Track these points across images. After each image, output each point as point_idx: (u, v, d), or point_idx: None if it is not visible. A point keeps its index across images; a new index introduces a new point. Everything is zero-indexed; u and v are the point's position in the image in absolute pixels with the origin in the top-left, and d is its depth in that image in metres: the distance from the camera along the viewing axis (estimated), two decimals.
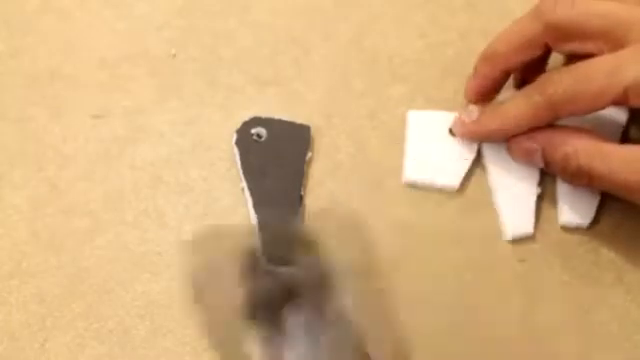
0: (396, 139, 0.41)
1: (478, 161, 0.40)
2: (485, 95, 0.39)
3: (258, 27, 0.44)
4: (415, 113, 0.41)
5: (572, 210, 0.38)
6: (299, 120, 0.41)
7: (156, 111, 0.41)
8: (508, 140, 0.38)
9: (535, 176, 0.39)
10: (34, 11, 0.44)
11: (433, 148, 0.39)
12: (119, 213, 0.38)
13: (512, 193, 0.38)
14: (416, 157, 0.39)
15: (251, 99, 0.42)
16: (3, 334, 0.35)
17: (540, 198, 0.39)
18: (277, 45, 0.44)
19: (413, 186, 0.39)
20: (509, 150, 0.38)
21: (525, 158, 0.38)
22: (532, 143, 0.37)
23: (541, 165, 0.37)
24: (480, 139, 0.39)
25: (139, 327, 0.36)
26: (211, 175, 0.40)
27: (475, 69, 0.39)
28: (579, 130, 0.36)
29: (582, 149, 0.35)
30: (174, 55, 0.43)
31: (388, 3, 0.45)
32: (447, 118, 0.40)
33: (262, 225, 0.38)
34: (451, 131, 0.40)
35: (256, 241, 0.37)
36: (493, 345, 0.36)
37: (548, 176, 0.39)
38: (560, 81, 0.35)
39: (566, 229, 0.38)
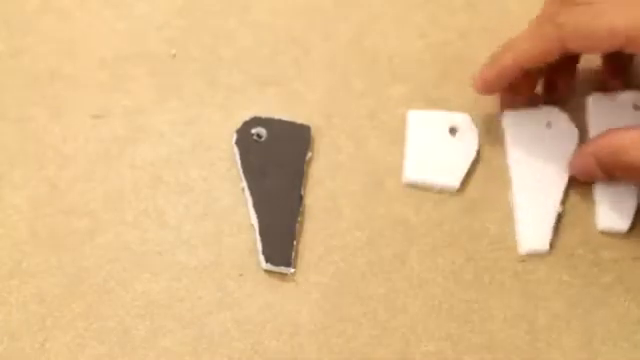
0: (396, 139, 0.41)
1: (478, 161, 0.40)
2: (495, 87, 0.39)
3: (258, 27, 0.44)
4: (415, 113, 0.41)
5: (611, 216, 0.38)
6: (299, 120, 0.41)
7: (156, 111, 0.41)
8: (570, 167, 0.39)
9: (559, 195, 0.39)
10: (34, 11, 0.44)
11: (433, 148, 0.39)
12: (119, 213, 0.38)
13: (534, 209, 0.38)
14: (416, 157, 0.39)
15: (251, 99, 0.42)
16: (3, 334, 0.35)
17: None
18: (277, 45, 0.44)
19: (413, 186, 0.39)
20: (570, 172, 0.39)
21: (584, 175, 0.38)
22: (585, 159, 0.37)
23: (603, 177, 0.38)
24: (499, 82, 0.38)
25: (139, 327, 0.36)
26: (211, 175, 0.40)
27: (494, 59, 0.38)
28: (620, 132, 0.36)
29: (629, 145, 0.35)
30: (174, 55, 0.43)
31: (388, 3, 0.45)
32: (447, 118, 0.40)
33: (262, 225, 0.38)
34: (451, 131, 0.40)
35: (256, 241, 0.37)
36: (493, 345, 0.36)
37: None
38: (572, 12, 0.35)
39: (569, 231, 0.39)
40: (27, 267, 0.37)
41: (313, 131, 0.40)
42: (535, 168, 0.39)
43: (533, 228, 0.38)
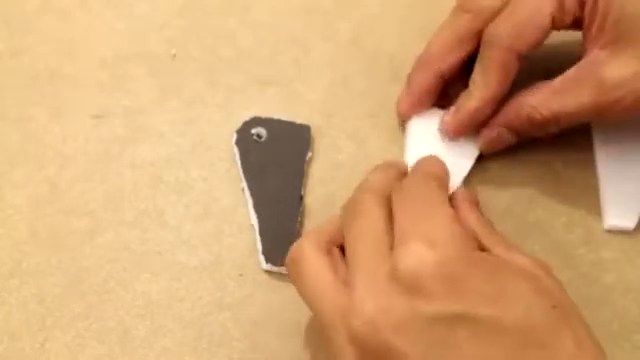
0: (396, 139, 0.41)
1: (478, 161, 0.40)
2: (419, 107, 0.39)
3: (258, 27, 0.44)
4: (415, 115, 0.41)
5: (618, 213, 0.38)
6: (299, 120, 0.41)
7: (156, 111, 0.41)
8: (479, 142, 0.39)
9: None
10: (34, 11, 0.44)
11: (433, 148, 0.39)
12: (119, 213, 0.38)
13: (620, 185, 0.39)
14: (416, 157, 0.39)
15: (251, 99, 0.42)
16: (3, 334, 0.35)
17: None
18: (277, 45, 0.44)
19: None
20: (481, 149, 0.39)
21: (498, 145, 0.39)
22: (494, 129, 0.38)
23: (515, 140, 0.38)
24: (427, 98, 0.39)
25: (139, 327, 0.36)
26: (211, 175, 0.40)
27: (409, 80, 0.39)
28: (522, 92, 0.37)
29: (536, 102, 0.36)
30: (174, 55, 0.43)
31: (388, 3, 0.45)
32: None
33: (262, 225, 0.38)
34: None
35: (256, 241, 0.37)
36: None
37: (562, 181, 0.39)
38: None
39: (569, 231, 0.39)
40: (27, 267, 0.37)
41: (313, 131, 0.40)
42: (622, 148, 0.40)
43: (620, 205, 0.38)
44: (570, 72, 0.35)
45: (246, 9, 0.45)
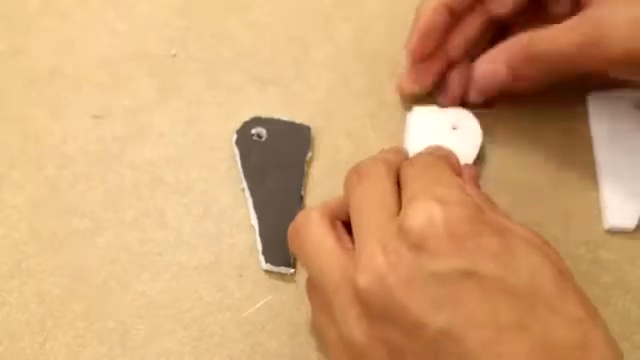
0: (396, 139, 0.41)
1: (478, 161, 0.40)
2: (429, 43, 0.39)
3: (258, 27, 0.44)
4: (416, 109, 0.40)
5: (618, 214, 0.38)
6: (299, 120, 0.41)
7: (156, 111, 0.41)
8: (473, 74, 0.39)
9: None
10: (34, 11, 0.44)
11: (433, 142, 0.39)
12: (119, 213, 0.38)
13: (620, 185, 0.39)
14: (416, 150, 0.39)
15: (251, 99, 0.42)
16: (3, 334, 0.35)
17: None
18: (277, 45, 0.44)
19: None
20: (475, 87, 0.39)
21: (491, 82, 0.39)
22: (491, 63, 0.38)
23: (509, 79, 0.38)
24: (428, 40, 0.39)
25: (139, 327, 0.36)
26: (211, 175, 0.40)
27: (415, 21, 0.40)
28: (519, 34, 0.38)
29: (534, 35, 0.37)
30: (174, 55, 0.43)
31: (388, 3, 0.45)
32: (448, 114, 0.40)
33: (262, 225, 0.38)
34: (453, 127, 0.40)
35: (256, 241, 0.37)
36: None
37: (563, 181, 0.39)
38: None
39: (569, 231, 0.39)
40: (27, 267, 0.37)
41: (313, 131, 0.40)
42: (622, 148, 0.40)
43: (620, 205, 0.38)
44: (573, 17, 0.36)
45: (246, 9, 0.45)
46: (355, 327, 0.28)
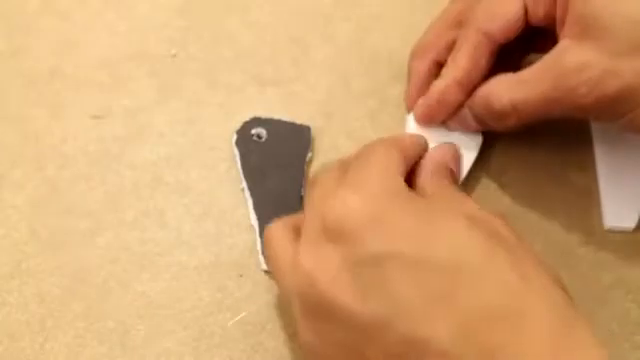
0: None
1: (478, 161, 0.40)
2: (422, 95, 0.39)
3: (258, 27, 0.44)
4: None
5: (618, 213, 0.38)
6: (299, 120, 0.41)
7: (156, 111, 0.41)
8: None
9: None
10: (34, 11, 0.44)
11: (433, 142, 0.39)
12: (119, 213, 0.38)
13: (620, 185, 0.39)
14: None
15: (251, 99, 0.42)
16: (3, 334, 0.35)
17: None
18: (277, 45, 0.44)
19: None
20: (449, 127, 0.39)
21: (463, 126, 0.38)
22: (460, 109, 0.38)
23: (475, 125, 0.38)
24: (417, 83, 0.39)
25: (139, 327, 0.36)
26: (211, 175, 0.40)
27: (409, 72, 0.40)
28: (489, 81, 0.36)
29: (497, 89, 0.35)
30: (174, 55, 0.43)
31: (388, 3, 0.45)
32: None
33: (262, 225, 0.38)
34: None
35: (256, 241, 0.37)
36: None
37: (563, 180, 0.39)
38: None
39: (569, 231, 0.39)
40: (27, 267, 0.37)
41: (313, 131, 0.40)
42: (622, 148, 0.39)
43: (619, 205, 0.38)
44: (537, 62, 0.35)
45: (246, 9, 0.45)
46: (305, 331, 0.29)
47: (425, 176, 0.34)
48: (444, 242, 0.27)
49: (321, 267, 0.27)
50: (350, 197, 0.28)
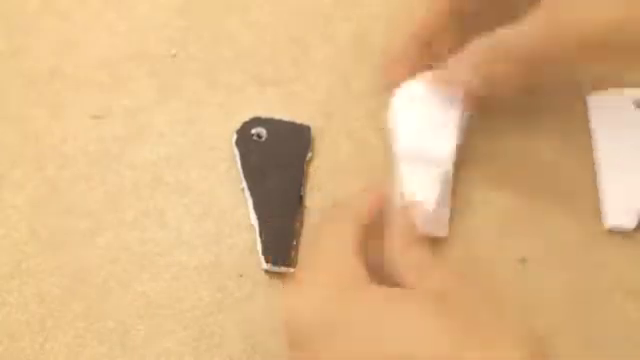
0: None
1: (478, 162, 0.40)
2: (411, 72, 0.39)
3: (258, 27, 0.44)
4: (400, 89, 0.40)
5: (618, 213, 0.38)
6: (299, 120, 0.41)
7: (156, 111, 0.41)
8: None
9: None
10: (34, 11, 0.44)
11: (419, 117, 0.38)
12: (119, 213, 0.38)
13: (620, 185, 0.39)
14: (405, 131, 0.39)
15: (251, 99, 0.42)
16: (3, 334, 0.35)
17: None
18: (277, 45, 0.44)
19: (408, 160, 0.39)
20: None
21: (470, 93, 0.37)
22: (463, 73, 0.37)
23: (481, 91, 0.36)
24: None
25: (139, 327, 0.36)
26: (211, 175, 0.40)
27: (401, 51, 0.39)
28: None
29: (494, 39, 0.35)
30: (174, 55, 0.43)
31: (388, 3, 0.45)
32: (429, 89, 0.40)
33: (262, 225, 0.38)
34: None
35: (256, 241, 0.37)
36: None
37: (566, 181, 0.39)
38: None
39: (569, 231, 0.39)
40: (27, 267, 0.37)
41: (313, 131, 0.40)
42: (622, 148, 0.39)
43: (620, 205, 0.38)
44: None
45: (246, 9, 0.45)
46: None
47: (390, 248, 0.32)
48: (399, 338, 0.27)
49: None
50: (300, 303, 0.28)
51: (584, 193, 0.39)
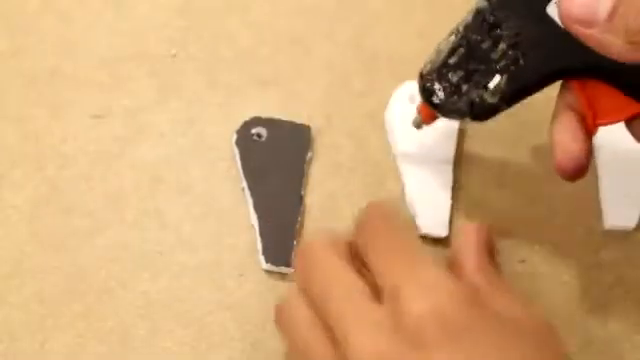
0: None
1: (478, 162, 0.40)
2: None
3: (258, 27, 0.44)
4: (399, 89, 0.40)
5: (618, 213, 0.38)
6: (299, 120, 0.41)
7: (156, 111, 0.41)
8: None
9: None
10: (34, 11, 0.44)
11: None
12: (119, 213, 0.38)
13: (620, 185, 0.39)
14: (407, 129, 0.39)
15: (251, 99, 0.42)
16: (3, 334, 0.35)
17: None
18: (277, 45, 0.44)
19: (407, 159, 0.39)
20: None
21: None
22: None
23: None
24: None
25: (139, 327, 0.36)
26: (211, 175, 0.40)
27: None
28: None
29: None
30: (174, 55, 0.43)
31: (388, 3, 0.45)
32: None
33: (262, 225, 0.38)
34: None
35: (256, 241, 0.37)
36: None
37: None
38: None
39: (569, 231, 0.39)
40: (27, 267, 0.37)
41: (313, 131, 0.40)
42: (622, 148, 0.39)
43: (619, 204, 0.38)
44: None
45: (246, 9, 0.45)
46: None
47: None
48: None
49: None
50: (428, 300, 0.27)
51: (584, 193, 0.39)
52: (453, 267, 0.32)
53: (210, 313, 0.36)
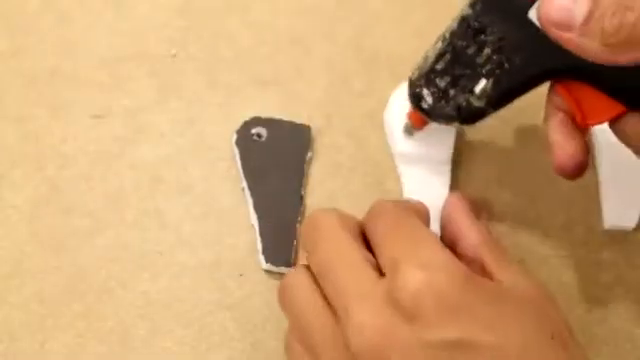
0: None
1: (478, 162, 0.40)
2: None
3: (258, 27, 0.44)
4: (399, 89, 0.40)
5: (618, 213, 0.38)
6: (299, 120, 0.41)
7: (156, 111, 0.41)
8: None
9: None
10: (34, 11, 0.44)
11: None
12: (119, 213, 0.38)
13: (620, 185, 0.39)
14: (400, 139, 0.39)
15: (251, 99, 0.42)
16: (3, 334, 0.35)
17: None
18: (277, 45, 0.44)
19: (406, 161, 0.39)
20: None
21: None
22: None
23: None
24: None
25: (139, 327, 0.36)
26: (211, 175, 0.40)
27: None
28: None
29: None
30: (174, 55, 0.43)
31: (388, 3, 0.45)
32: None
33: (262, 225, 0.38)
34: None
35: (256, 241, 0.37)
36: None
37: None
38: None
39: (569, 231, 0.39)
40: (27, 267, 0.37)
41: (313, 131, 0.40)
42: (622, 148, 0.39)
43: (619, 205, 0.38)
44: None
45: (246, 9, 0.45)
46: None
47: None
48: (516, 336, 0.27)
49: (390, 341, 0.26)
50: (424, 277, 0.27)
51: (584, 193, 0.39)
52: (450, 239, 0.33)
53: (210, 313, 0.36)
